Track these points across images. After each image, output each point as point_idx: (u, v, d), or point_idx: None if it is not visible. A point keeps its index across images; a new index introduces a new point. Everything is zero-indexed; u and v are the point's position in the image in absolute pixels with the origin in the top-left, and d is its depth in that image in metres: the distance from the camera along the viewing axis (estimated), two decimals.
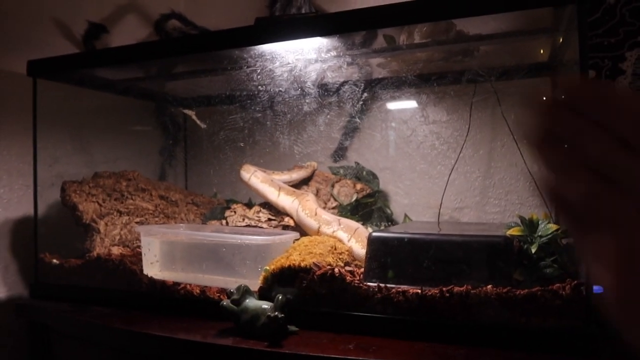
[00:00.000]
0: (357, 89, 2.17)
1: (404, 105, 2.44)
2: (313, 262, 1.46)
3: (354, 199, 2.05)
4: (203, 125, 1.91)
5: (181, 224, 2.08)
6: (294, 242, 1.70)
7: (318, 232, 1.75)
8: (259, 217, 2.03)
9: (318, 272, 1.43)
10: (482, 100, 2.25)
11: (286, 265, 1.47)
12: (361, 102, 2.38)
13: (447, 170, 2.38)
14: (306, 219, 1.78)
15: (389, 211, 2.31)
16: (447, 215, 2.38)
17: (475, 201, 2.32)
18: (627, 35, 2.14)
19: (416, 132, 2.43)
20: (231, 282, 1.59)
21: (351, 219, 1.94)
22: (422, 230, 1.57)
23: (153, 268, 1.73)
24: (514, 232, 1.44)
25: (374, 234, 1.49)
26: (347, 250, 1.63)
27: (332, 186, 2.23)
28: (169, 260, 1.73)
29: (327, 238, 1.68)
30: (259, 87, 1.67)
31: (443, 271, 1.34)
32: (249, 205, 2.10)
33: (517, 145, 2.20)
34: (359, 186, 2.27)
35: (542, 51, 2.14)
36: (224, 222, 2.09)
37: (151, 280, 1.68)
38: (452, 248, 1.35)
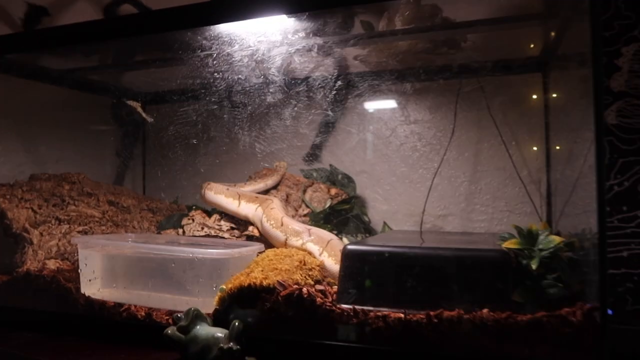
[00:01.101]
0: (332, 85, 1.97)
1: (383, 102, 2.23)
2: (277, 281, 1.24)
3: (327, 205, 1.84)
4: (150, 119, 1.67)
5: (131, 234, 1.83)
6: (257, 255, 1.48)
7: (285, 244, 1.52)
8: (220, 225, 1.79)
9: (283, 293, 1.21)
10: (468, 98, 2.06)
11: (246, 284, 1.24)
12: (336, 100, 2.17)
13: (430, 174, 2.18)
14: (271, 229, 1.56)
15: (366, 219, 2.10)
16: (430, 224, 2.18)
17: (460, 208, 2.13)
18: (622, 29, 1.98)
19: (396, 132, 2.23)
20: (182, 303, 1.35)
21: (324, 228, 1.73)
22: (404, 242, 1.36)
23: (92, 286, 1.48)
24: (510, 244, 1.24)
25: (350, 246, 1.27)
26: (318, 266, 1.41)
27: (304, 191, 2.01)
28: (110, 277, 1.49)
29: (295, 251, 1.46)
30: (221, 78, 1.44)
31: (430, 292, 1.13)
32: (210, 212, 1.86)
33: (506, 147, 2.02)
34: (333, 191, 2.06)
35: (532, 45, 1.97)
36: (180, 231, 1.85)
37: (88, 300, 1.44)
38: (441, 264, 1.14)
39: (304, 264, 1.37)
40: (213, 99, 1.53)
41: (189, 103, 1.61)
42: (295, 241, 1.50)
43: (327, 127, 2.29)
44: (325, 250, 1.45)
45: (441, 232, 1.86)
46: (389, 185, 2.25)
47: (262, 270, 1.30)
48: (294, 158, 2.24)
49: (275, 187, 2.03)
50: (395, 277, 1.16)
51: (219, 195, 1.76)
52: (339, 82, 1.98)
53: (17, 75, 1.95)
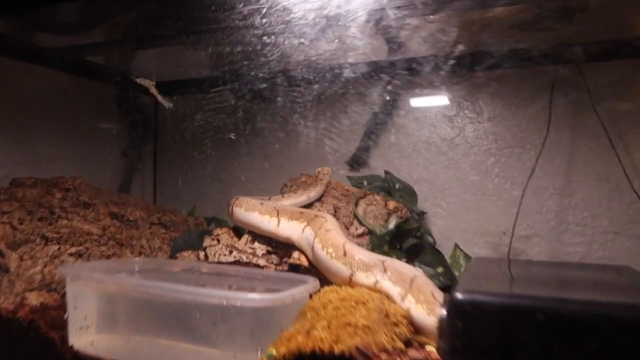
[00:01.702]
0: (384, 73, 1.55)
1: (448, 95, 1.82)
2: (356, 346, 0.82)
3: (392, 224, 1.42)
4: (168, 104, 1.26)
5: (137, 258, 1.42)
6: (311, 296, 1.06)
7: (350, 282, 1.10)
8: (254, 249, 1.38)
9: None
10: (561, 89, 1.64)
11: (308, 349, 0.83)
12: (389, 91, 1.76)
13: (509, 184, 1.76)
14: (329, 260, 1.14)
15: (430, 239, 1.67)
16: (507, 246, 1.76)
17: (548, 227, 1.70)
18: None
19: (464, 132, 1.81)
20: None
21: (390, 255, 1.31)
22: (547, 288, 0.94)
23: (83, 336, 1.08)
24: None
25: (461, 295, 0.85)
26: (403, 316, 0.99)
27: (356, 204, 1.59)
28: (109, 324, 1.08)
29: (368, 294, 1.04)
30: (273, 44, 1.04)
31: None
32: (239, 231, 1.44)
33: (615, 150, 1.59)
34: (392, 204, 1.64)
35: None
36: (202, 254, 1.44)
37: (78, 356, 1.03)
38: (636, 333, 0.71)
39: (387, 316, 0.95)
40: (260, 75, 1.12)
41: (225, 82, 1.19)
42: (365, 278, 1.08)
43: (378, 125, 1.87)
44: (409, 292, 1.03)
45: (553, 264, 1.43)
46: (454, 197, 1.83)
47: (328, 327, 0.88)
48: (340, 165, 1.82)
49: (319, 199, 1.61)
50: (553, 352, 0.74)
51: (252, 212, 1.34)
52: (394, 78, 1.58)
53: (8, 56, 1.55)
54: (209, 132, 1.13)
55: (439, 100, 1.83)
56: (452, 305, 0.85)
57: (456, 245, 1.63)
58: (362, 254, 1.11)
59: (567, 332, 0.74)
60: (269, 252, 1.39)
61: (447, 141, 1.83)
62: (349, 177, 1.78)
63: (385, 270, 1.08)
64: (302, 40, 1.04)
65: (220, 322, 0.94)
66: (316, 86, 1.15)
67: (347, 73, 1.36)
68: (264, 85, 1.16)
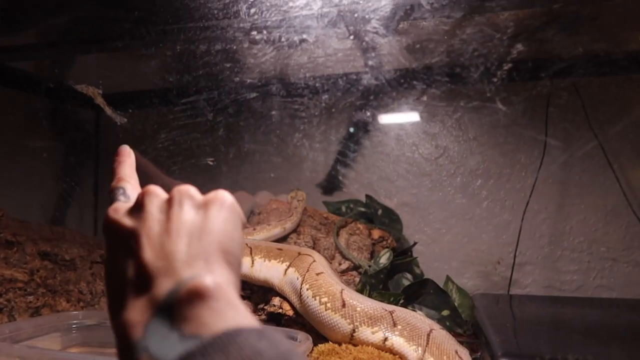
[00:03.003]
0: (361, 85, 1.37)
1: (430, 110, 1.66)
2: None
3: (384, 258, 1.22)
4: (120, 120, 0.99)
5: (75, 312, 1.14)
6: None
7: (351, 338, 0.89)
8: None
9: None
10: (555, 104, 1.52)
11: None
12: (366, 106, 1.58)
13: (499, 208, 1.61)
14: (323, 312, 0.92)
15: (418, 272, 1.49)
16: (498, 276, 1.61)
17: (542, 254, 1.57)
18: None
19: (449, 151, 1.66)
20: None
21: (387, 297, 1.11)
22: (595, 340, 0.77)
23: None
24: None
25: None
26: None
27: (337, 234, 1.39)
28: None
29: (377, 355, 0.83)
30: (269, 40, 0.81)
31: None
32: None
33: (613, 170, 1.48)
34: (376, 233, 1.45)
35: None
36: None
37: None
38: None
39: None
40: (249, 82, 0.89)
41: (199, 90, 0.94)
42: (370, 335, 0.88)
43: (353, 143, 1.69)
44: (428, 352, 0.83)
45: (570, 299, 1.28)
46: (440, 223, 1.66)
47: None
48: (311, 188, 1.61)
49: (294, 230, 1.40)
50: None
51: None
52: (373, 91, 1.40)
53: None
54: (178, 157, 0.89)
55: (420, 116, 1.67)
56: None
57: (448, 278, 1.45)
58: (365, 304, 0.90)
59: None
60: (241, 297, 1.15)
61: (430, 161, 1.67)
62: (325, 203, 1.57)
63: (394, 324, 0.88)
64: (302, 35, 0.82)
65: None
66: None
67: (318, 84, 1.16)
68: (254, 95, 0.92)
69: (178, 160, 0.80)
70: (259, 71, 0.88)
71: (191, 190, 0.47)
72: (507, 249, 1.58)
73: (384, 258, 1.23)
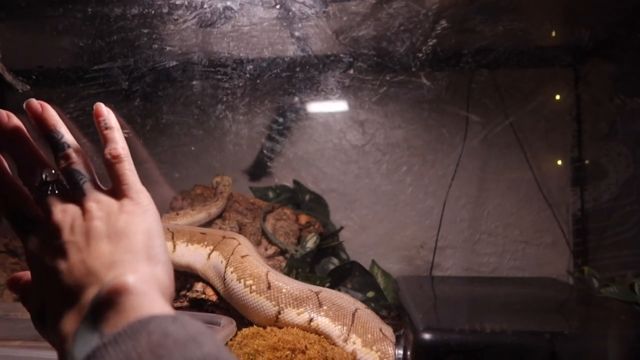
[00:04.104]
0: (289, 70, 1.35)
1: (358, 98, 1.67)
2: None
3: (311, 242, 1.21)
4: (22, 87, 0.89)
5: None
6: (226, 344, 0.82)
7: (277, 320, 0.87)
8: None
9: None
10: (474, 95, 1.58)
11: None
12: (293, 91, 1.56)
13: (423, 194, 1.66)
14: (247, 295, 0.90)
15: (344, 256, 1.50)
16: (421, 260, 1.66)
17: (461, 238, 1.63)
18: None
19: (376, 138, 1.68)
20: None
21: (314, 280, 1.10)
22: (508, 316, 0.80)
23: None
24: None
25: (428, 334, 0.68)
26: None
27: (264, 219, 1.36)
28: None
29: (302, 335, 0.82)
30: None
31: None
32: None
33: (527, 159, 1.57)
34: (303, 219, 1.44)
35: (554, 33, 1.55)
36: None
37: None
38: None
39: None
40: (168, 49, 0.82)
41: (113, 57, 0.86)
42: (296, 316, 0.86)
43: (281, 130, 1.66)
44: (353, 331, 0.83)
45: (484, 280, 1.33)
46: (367, 209, 1.68)
47: None
48: (239, 174, 1.57)
49: (219, 215, 1.36)
50: None
51: None
52: (300, 76, 1.38)
53: None
54: (89, 129, 0.82)
55: (348, 104, 1.67)
56: (419, 349, 0.67)
57: (374, 262, 1.47)
58: (291, 285, 0.89)
59: None
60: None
61: (358, 149, 1.69)
62: (252, 188, 1.54)
63: (320, 305, 0.87)
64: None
65: None
66: (249, 67, 0.88)
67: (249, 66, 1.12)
68: (174, 64, 0.86)
69: (89, 132, 0.74)
70: (180, 38, 0.83)
71: (102, 198, 0.48)
72: (431, 233, 1.63)
73: (311, 242, 1.22)
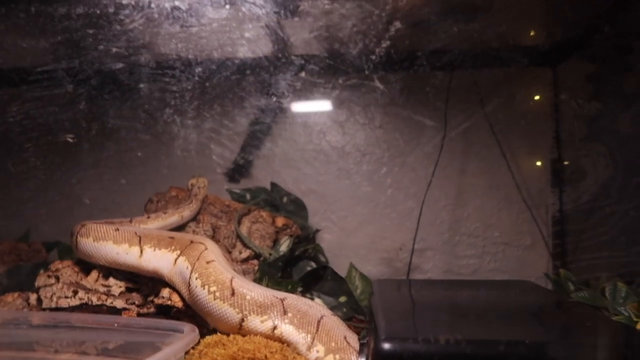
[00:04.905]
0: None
1: (336, 99, 1.65)
2: None
3: (284, 245, 1.20)
4: None
5: None
6: (187, 352, 0.80)
7: (240, 328, 0.86)
8: (108, 287, 1.06)
9: None
10: (454, 96, 1.57)
11: None
12: (271, 92, 1.54)
13: (403, 196, 1.65)
14: (211, 302, 0.88)
15: (323, 259, 1.48)
16: (401, 262, 1.65)
17: (442, 240, 1.62)
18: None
19: (356, 139, 1.66)
20: None
21: (285, 285, 1.09)
22: (474, 323, 0.79)
23: None
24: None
25: (388, 344, 0.67)
26: None
27: (239, 221, 1.34)
28: None
29: (264, 344, 0.80)
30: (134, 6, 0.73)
31: None
32: (86, 265, 1.10)
33: (506, 160, 1.55)
34: (280, 221, 1.42)
35: (532, 32, 1.54)
36: (33, 297, 1.08)
37: None
38: None
39: None
40: (114, 51, 0.80)
41: (58, 58, 0.84)
42: (259, 324, 0.84)
43: (260, 132, 1.64)
44: (317, 339, 0.82)
45: (461, 284, 1.32)
46: (346, 211, 1.67)
47: None
48: (217, 176, 1.54)
49: (194, 218, 1.34)
50: None
51: (105, 242, 1.02)
52: (280, 76, 1.35)
53: None
54: (32, 132, 0.78)
55: (328, 104, 1.65)
56: (378, 358, 0.66)
57: (352, 265, 1.46)
58: (255, 292, 0.87)
59: None
60: (128, 290, 1.08)
61: (337, 149, 1.67)
62: (228, 190, 1.52)
63: (285, 312, 0.85)
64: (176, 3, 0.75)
65: None
66: (198, 69, 0.86)
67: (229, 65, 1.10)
68: (120, 66, 0.84)
69: (32, 137, 0.70)
70: (126, 39, 0.80)
71: None
72: (410, 235, 1.62)
73: (284, 246, 1.21)
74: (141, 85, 0.88)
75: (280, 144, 1.65)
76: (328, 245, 1.65)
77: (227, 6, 0.82)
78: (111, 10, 0.74)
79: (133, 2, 0.74)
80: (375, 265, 1.64)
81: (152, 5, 0.74)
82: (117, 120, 0.97)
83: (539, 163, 1.58)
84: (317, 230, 1.40)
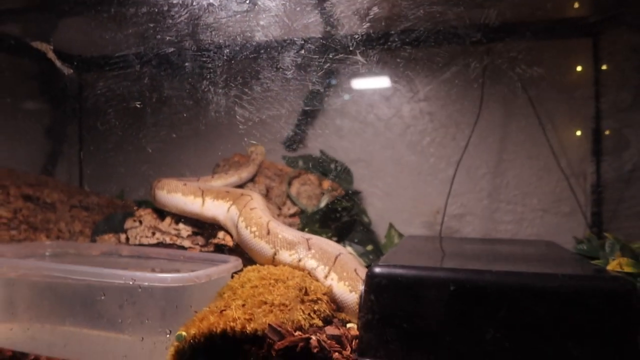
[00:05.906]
0: (321, 52, 1.48)
1: (385, 75, 1.79)
2: (269, 324, 0.78)
3: (323, 202, 1.38)
4: (67, 71, 1.15)
5: (50, 242, 1.32)
6: (232, 276, 1.01)
7: (273, 260, 1.06)
8: (178, 230, 1.31)
9: (279, 344, 0.76)
10: (494, 69, 1.64)
11: (218, 330, 0.78)
12: (325, 71, 1.71)
13: (444, 164, 1.76)
14: (252, 239, 1.09)
15: (366, 220, 1.65)
16: (440, 225, 1.77)
17: (481, 206, 1.72)
18: None
19: (401, 112, 1.80)
20: (117, 354, 0.88)
21: (322, 235, 1.27)
22: (463, 261, 0.93)
23: None
24: (622, 266, 0.83)
25: (379, 269, 0.83)
26: (324, 294, 0.96)
27: (289, 183, 1.55)
28: (6, 311, 0.99)
29: (289, 272, 1.00)
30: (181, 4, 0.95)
31: (523, 348, 0.70)
32: (163, 212, 1.37)
33: (544, 130, 1.61)
34: (326, 184, 1.60)
35: (576, 4, 1.57)
36: (123, 236, 1.36)
37: None
38: (539, 301, 0.71)
39: (306, 293, 0.91)
40: (167, 38, 1.04)
41: (129, 45, 1.10)
42: (288, 257, 1.04)
43: (314, 105, 1.83)
44: (332, 270, 1.00)
45: (482, 240, 1.43)
46: (391, 178, 1.81)
47: (243, 305, 0.84)
48: (276, 145, 1.75)
49: (251, 179, 1.56)
50: (464, 322, 0.72)
51: (175, 194, 1.28)
52: (332, 56, 1.51)
53: None
54: (112, 101, 1.03)
55: (376, 79, 1.80)
56: (368, 279, 0.82)
57: (391, 225, 1.62)
58: (286, 232, 1.07)
59: (476, 301, 0.72)
60: (194, 234, 1.32)
61: (384, 121, 1.81)
62: (284, 157, 1.73)
63: (309, 248, 1.04)
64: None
65: (127, 304, 0.88)
66: (227, 50, 1.07)
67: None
68: (171, 50, 1.07)
69: (113, 104, 0.95)
70: (176, 30, 1.02)
71: None
72: (449, 201, 1.73)
73: (322, 202, 1.39)
74: (186, 64, 1.10)
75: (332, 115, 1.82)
76: (375, 208, 1.81)
77: (247, 1, 1.01)
78: (165, 8, 0.97)
79: (180, 2, 0.95)
80: (417, 228, 1.78)
81: (194, 3, 0.96)
82: (169, 90, 1.22)
83: (578, 133, 1.61)
84: (358, 192, 1.56)
